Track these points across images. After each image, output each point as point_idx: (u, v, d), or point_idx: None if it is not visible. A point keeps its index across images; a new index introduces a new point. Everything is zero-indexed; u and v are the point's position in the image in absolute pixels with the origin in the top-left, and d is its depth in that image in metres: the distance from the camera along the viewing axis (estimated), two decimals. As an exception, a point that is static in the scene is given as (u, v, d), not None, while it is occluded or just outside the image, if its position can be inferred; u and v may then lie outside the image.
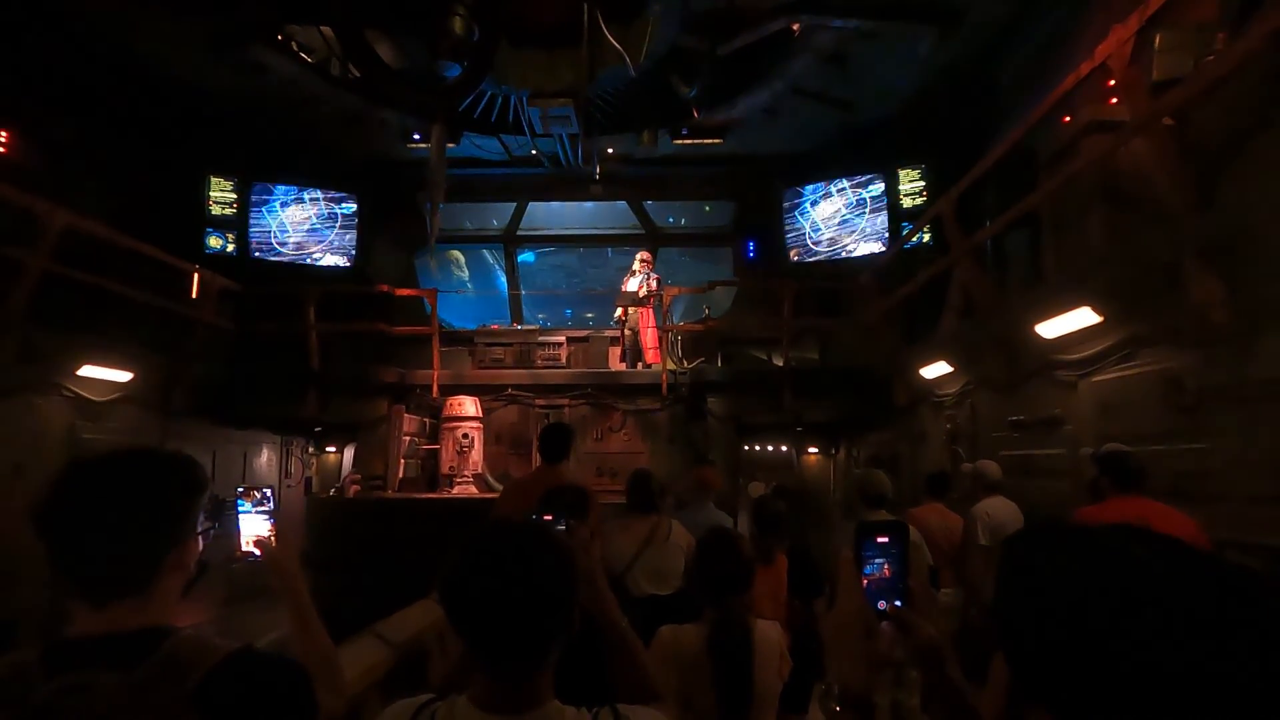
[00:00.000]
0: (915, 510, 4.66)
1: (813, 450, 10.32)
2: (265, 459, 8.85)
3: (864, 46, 7.49)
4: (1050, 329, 4.58)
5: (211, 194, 9.40)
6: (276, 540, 1.45)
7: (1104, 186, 4.39)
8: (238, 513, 1.47)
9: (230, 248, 9.53)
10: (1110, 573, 0.57)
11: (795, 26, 7.35)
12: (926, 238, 8.39)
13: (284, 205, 9.87)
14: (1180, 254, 3.48)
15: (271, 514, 1.47)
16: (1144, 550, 0.59)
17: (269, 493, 1.49)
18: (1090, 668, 0.55)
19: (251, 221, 9.68)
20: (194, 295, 7.73)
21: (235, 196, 9.53)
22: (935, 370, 6.50)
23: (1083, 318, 4.25)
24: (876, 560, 1.00)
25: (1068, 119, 4.98)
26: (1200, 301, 3.35)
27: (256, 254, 9.70)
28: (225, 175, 9.49)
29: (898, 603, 0.98)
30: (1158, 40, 4.03)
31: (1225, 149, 3.53)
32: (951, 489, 4.84)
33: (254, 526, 1.47)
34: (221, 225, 9.47)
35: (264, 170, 9.74)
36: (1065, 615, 0.57)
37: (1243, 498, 3.17)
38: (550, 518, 1.45)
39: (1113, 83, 4.11)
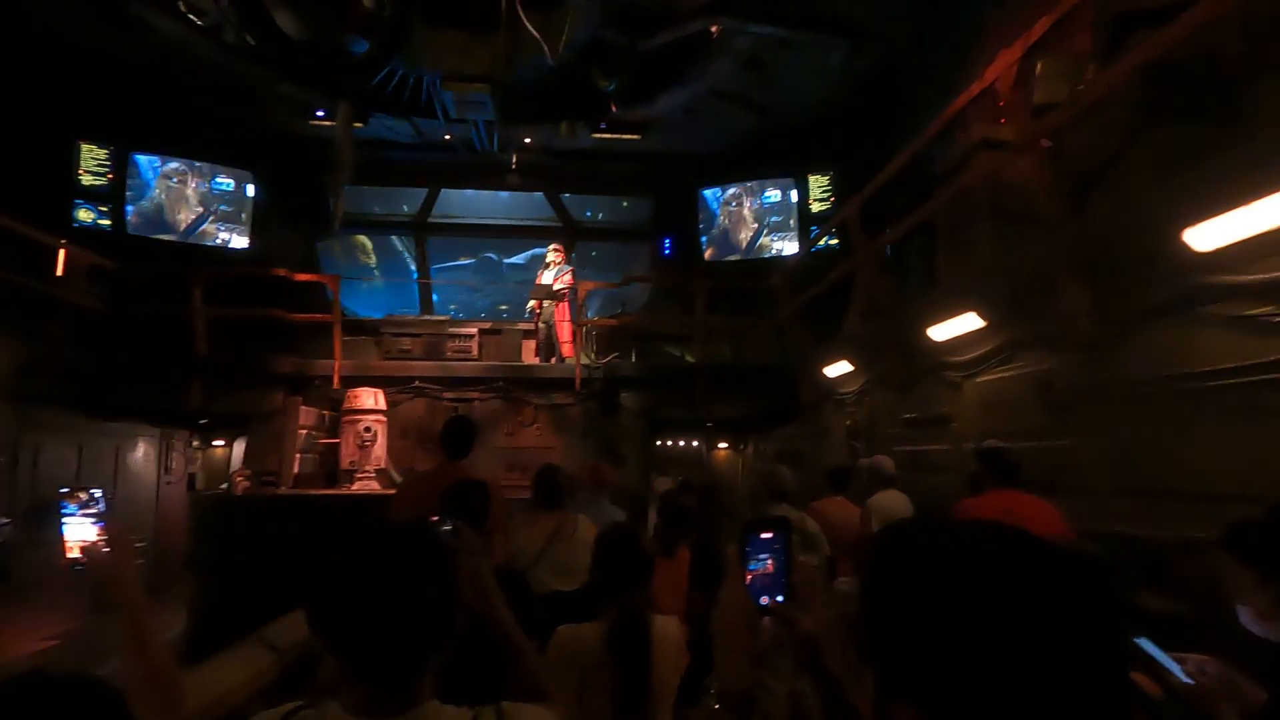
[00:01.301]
0: (817, 503, 4.82)
1: (723, 445, 10.56)
2: (142, 453, 8.14)
3: (780, 54, 7.70)
4: (941, 332, 4.87)
5: (82, 162, 8.54)
6: (109, 545, 1.31)
7: (991, 200, 4.70)
8: (62, 517, 1.32)
9: (104, 222, 8.69)
10: (961, 565, 0.59)
11: (715, 29, 7.46)
12: (834, 241, 8.74)
13: (169, 179, 9.10)
14: (1054, 265, 3.77)
15: (101, 517, 1.33)
16: (996, 543, 0.61)
17: (98, 494, 1.35)
18: (940, 657, 0.57)
19: (130, 195, 8.87)
20: (59, 273, 7.02)
21: (111, 166, 8.69)
22: (838, 369, 6.78)
23: (969, 322, 4.54)
24: (761, 556, 1.01)
25: (962, 135, 5.30)
26: (1070, 310, 3.64)
27: (136, 230, 8.90)
28: (99, 143, 8.64)
29: (779, 598, 1.00)
30: (1039, 67, 4.34)
31: (1095, 170, 3.86)
32: (850, 483, 5.05)
33: (82, 532, 1.32)
34: (93, 197, 8.61)
35: (146, 139, 8.93)
36: (917, 608, 0.58)
37: (1102, 490, 3.48)
38: (436, 518, 1.39)
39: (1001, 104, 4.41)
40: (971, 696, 0.55)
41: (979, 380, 4.73)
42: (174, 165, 9.11)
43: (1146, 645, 1.56)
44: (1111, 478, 3.44)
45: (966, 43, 6.85)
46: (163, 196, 9.06)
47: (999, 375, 4.52)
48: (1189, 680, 1.47)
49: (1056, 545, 0.63)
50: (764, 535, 1.03)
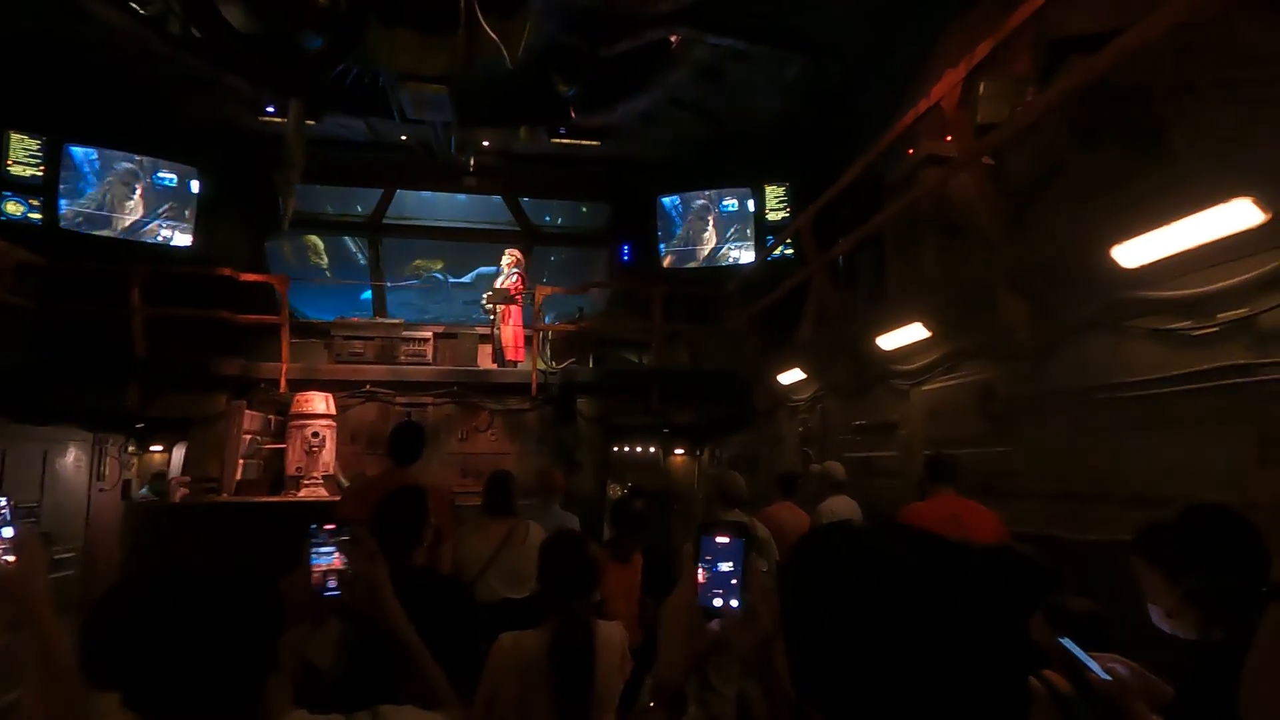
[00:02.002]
0: (769, 509, 4.89)
1: (679, 451, 10.60)
2: (72, 459, 7.74)
3: (737, 65, 7.81)
4: (889, 341, 5.00)
5: (11, 152, 8.12)
6: (17, 555, 1.23)
7: (937, 214, 4.85)
8: None
9: (35, 216, 8.27)
10: (864, 569, 0.61)
11: (674, 38, 7.54)
12: (790, 251, 8.88)
13: (107, 172, 8.72)
14: (994, 278, 3.91)
15: (8, 525, 1.26)
16: (903, 547, 0.63)
17: (3, 502, 1.28)
18: (836, 662, 0.58)
19: (64, 188, 8.46)
20: (-17, 268, 6.66)
21: (43, 157, 8.29)
22: (792, 376, 6.89)
23: (916, 332, 4.68)
24: (715, 559, 1.02)
25: (911, 151, 5.46)
26: (1008, 321, 3.78)
27: (70, 225, 8.50)
28: (30, 132, 8.22)
29: (733, 603, 1.00)
30: (982, 87, 4.52)
31: (1032, 187, 4.03)
32: (800, 488, 5.13)
33: None
34: (24, 189, 8.17)
35: (82, 130, 8.54)
36: (821, 609, 0.60)
37: (1036, 495, 3.62)
38: (333, 526, 1.36)
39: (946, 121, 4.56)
40: (868, 700, 0.56)
41: (925, 388, 4.87)
42: (112, 158, 8.73)
43: (1068, 644, 1.64)
44: (1045, 483, 3.59)
45: (916, 61, 7.08)
46: (99, 191, 8.67)
47: (944, 384, 4.66)
48: (1106, 677, 1.55)
49: (967, 551, 0.65)
50: (720, 539, 1.03)
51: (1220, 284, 2.78)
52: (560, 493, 4.13)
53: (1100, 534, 3.02)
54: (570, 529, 2.20)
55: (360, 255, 14.13)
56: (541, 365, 8.34)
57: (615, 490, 8.09)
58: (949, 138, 4.96)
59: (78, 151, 8.55)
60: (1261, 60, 2.73)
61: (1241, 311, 2.71)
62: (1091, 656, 1.57)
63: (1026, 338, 3.77)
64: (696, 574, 1.01)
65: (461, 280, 14.43)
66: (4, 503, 1.27)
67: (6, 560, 1.23)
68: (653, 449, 10.85)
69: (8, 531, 1.26)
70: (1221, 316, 2.78)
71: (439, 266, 16.04)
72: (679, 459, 10.68)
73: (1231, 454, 2.65)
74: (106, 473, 7.91)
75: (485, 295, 8.91)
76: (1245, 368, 2.67)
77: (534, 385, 8.13)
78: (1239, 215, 2.60)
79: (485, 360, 9.07)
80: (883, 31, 7.34)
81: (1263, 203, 2.51)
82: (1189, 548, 1.50)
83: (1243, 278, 2.70)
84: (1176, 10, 2.73)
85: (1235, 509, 1.57)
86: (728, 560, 1.03)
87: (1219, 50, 2.96)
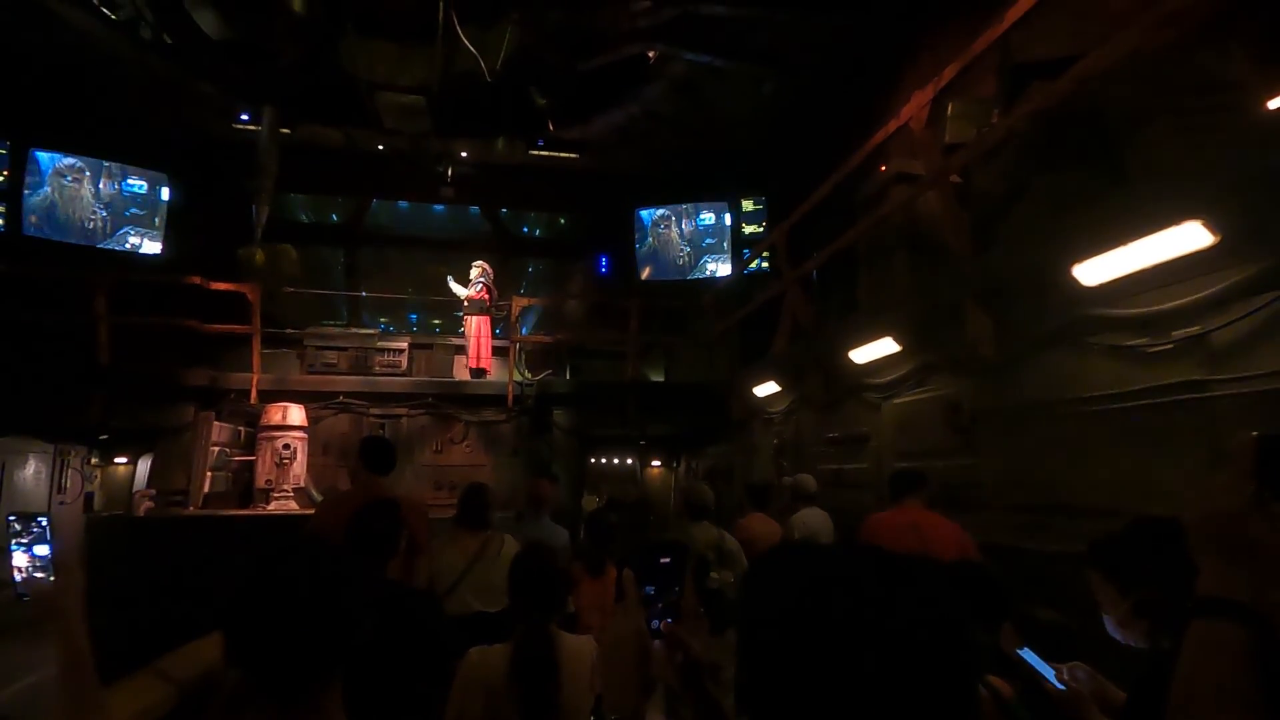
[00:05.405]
0: (743, 520, 4.91)
1: (655, 463, 10.61)
2: (32, 471, 7.55)
3: (714, 81, 7.92)
4: (861, 355, 5.07)
5: (-28, 157, 7.95)
6: (55, 574, 1.26)
7: (906, 231, 4.95)
8: (10, 545, 1.27)
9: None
10: (815, 590, 0.61)
11: (651, 54, 7.63)
12: (765, 265, 8.98)
13: (74, 178, 8.55)
14: (961, 294, 4.00)
15: (35, 542, 1.28)
16: (858, 568, 0.63)
17: (44, 520, 1.30)
18: (790, 678, 0.59)
19: (29, 193, 8.28)
20: (-59, 275, 6.48)
21: (7, 162, 8.11)
22: (766, 389, 6.94)
23: (886, 346, 4.76)
24: (657, 580, 1.03)
25: (884, 168, 5.57)
26: (974, 336, 3.87)
27: (34, 232, 8.31)
28: (-6, 136, 8.07)
29: (669, 620, 1.01)
30: (950, 108, 4.64)
31: (996, 206, 4.13)
32: (771, 499, 5.16)
33: (23, 559, 1.28)
34: (-14, 194, 8.02)
35: (49, 135, 8.39)
36: (772, 629, 0.60)
37: (1000, 506, 3.69)
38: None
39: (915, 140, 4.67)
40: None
41: (896, 402, 4.95)
42: (80, 164, 8.58)
43: (1027, 655, 1.68)
44: (1008, 494, 3.66)
45: (889, 79, 7.25)
46: (66, 197, 8.50)
47: (913, 397, 4.74)
48: (1062, 687, 1.60)
49: (924, 569, 0.65)
50: (662, 559, 1.04)
51: (1175, 302, 2.88)
52: (549, 504, 4.11)
53: (1060, 545, 3.09)
54: (544, 542, 2.19)
55: (338, 264, 13.88)
56: (517, 377, 8.32)
57: (592, 502, 8.05)
58: (917, 156, 5.08)
59: (44, 157, 8.39)
60: (1209, 88, 2.84)
61: (1195, 329, 2.80)
62: (1054, 665, 1.62)
63: (991, 353, 3.86)
64: (640, 599, 1.01)
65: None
66: (42, 522, 1.29)
67: (44, 578, 1.27)
68: (629, 460, 10.85)
69: (44, 550, 1.29)
70: (1176, 334, 2.88)
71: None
72: (655, 471, 10.69)
73: (1184, 468, 2.74)
74: (68, 485, 7.72)
75: (464, 299, 8.84)
76: (1198, 384, 2.77)
77: (509, 397, 8.10)
78: (1190, 237, 2.70)
79: (461, 371, 9.02)
80: (854, 52, 7.50)
81: (1212, 225, 2.61)
82: (1137, 560, 1.54)
83: (1196, 296, 2.79)
84: (1130, 39, 2.84)
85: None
86: (668, 580, 1.04)
87: (1170, 78, 3.08)
